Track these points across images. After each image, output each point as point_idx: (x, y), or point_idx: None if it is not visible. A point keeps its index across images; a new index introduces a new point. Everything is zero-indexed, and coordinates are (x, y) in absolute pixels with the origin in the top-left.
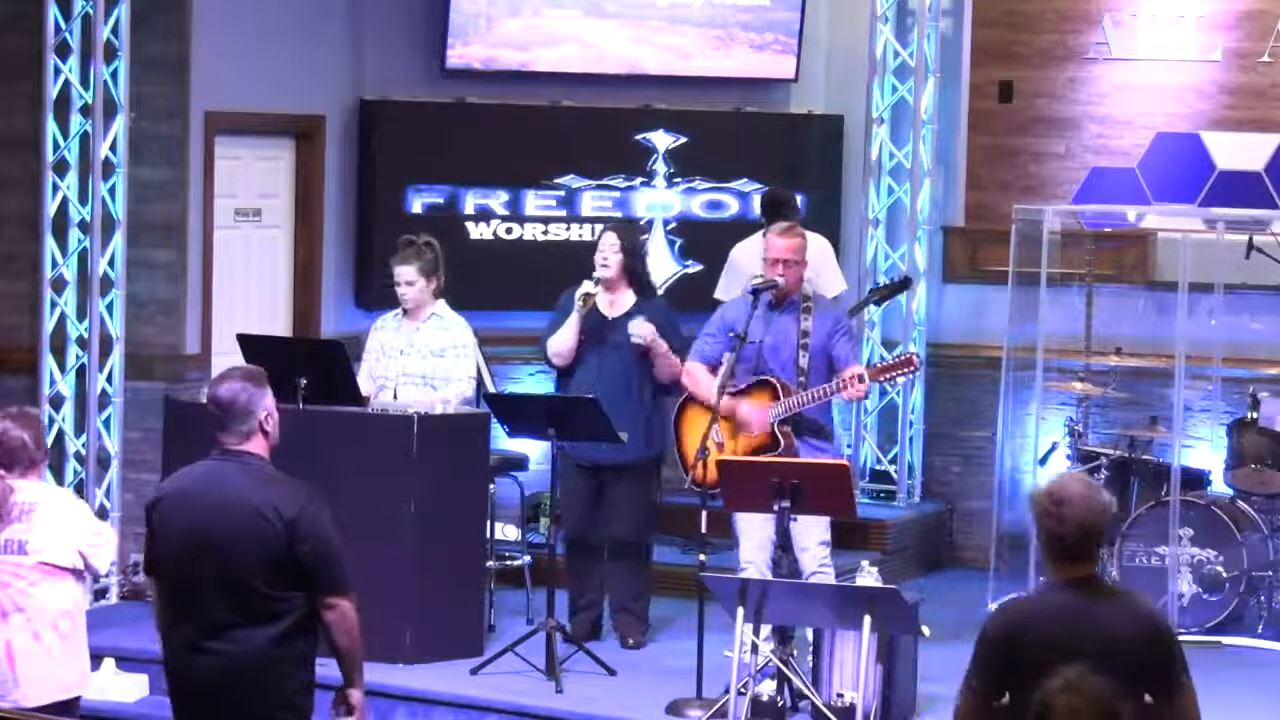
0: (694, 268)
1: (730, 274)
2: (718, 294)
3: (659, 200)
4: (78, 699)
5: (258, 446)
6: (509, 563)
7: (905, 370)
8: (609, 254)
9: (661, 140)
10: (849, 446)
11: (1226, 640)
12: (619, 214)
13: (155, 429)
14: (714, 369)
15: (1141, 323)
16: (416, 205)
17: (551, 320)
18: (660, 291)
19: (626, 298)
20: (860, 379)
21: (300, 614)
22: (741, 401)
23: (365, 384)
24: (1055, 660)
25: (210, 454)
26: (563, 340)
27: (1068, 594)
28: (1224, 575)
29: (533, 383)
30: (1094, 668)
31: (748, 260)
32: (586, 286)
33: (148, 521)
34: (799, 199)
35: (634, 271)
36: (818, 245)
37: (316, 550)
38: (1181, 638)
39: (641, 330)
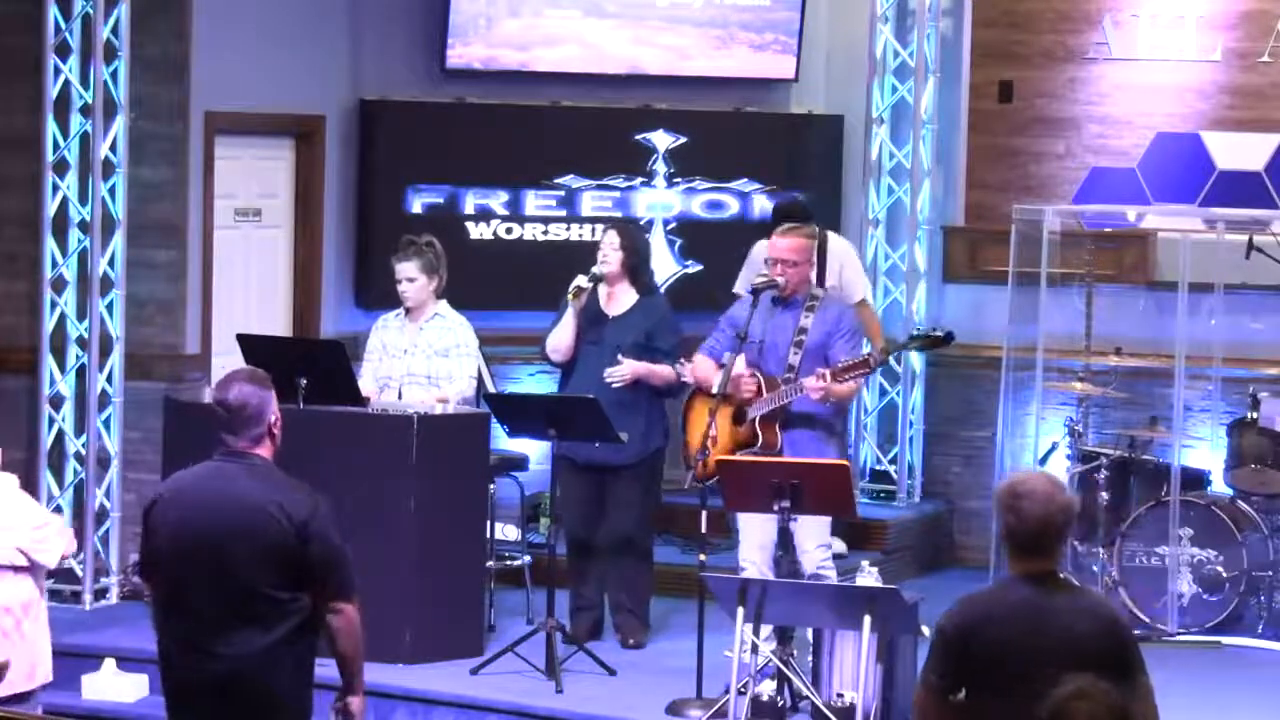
0: (694, 268)
1: (749, 268)
2: (736, 288)
3: (659, 200)
4: (31, 694)
5: (265, 450)
6: (509, 563)
7: (862, 370)
8: (609, 251)
9: (661, 140)
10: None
11: (1226, 640)
12: (619, 214)
13: (155, 429)
14: (718, 363)
15: (1141, 323)
16: (416, 205)
17: (554, 319)
18: (661, 292)
19: (627, 296)
20: (821, 377)
21: (303, 617)
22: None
23: (368, 384)
24: (1012, 656)
25: (214, 455)
26: (559, 336)
27: (1025, 589)
28: (1224, 575)
29: (533, 383)
30: (1045, 663)
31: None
32: (579, 280)
33: (145, 522)
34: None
35: (635, 270)
36: (840, 248)
37: (326, 553)
38: (1181, 638)
39: (617, 375)
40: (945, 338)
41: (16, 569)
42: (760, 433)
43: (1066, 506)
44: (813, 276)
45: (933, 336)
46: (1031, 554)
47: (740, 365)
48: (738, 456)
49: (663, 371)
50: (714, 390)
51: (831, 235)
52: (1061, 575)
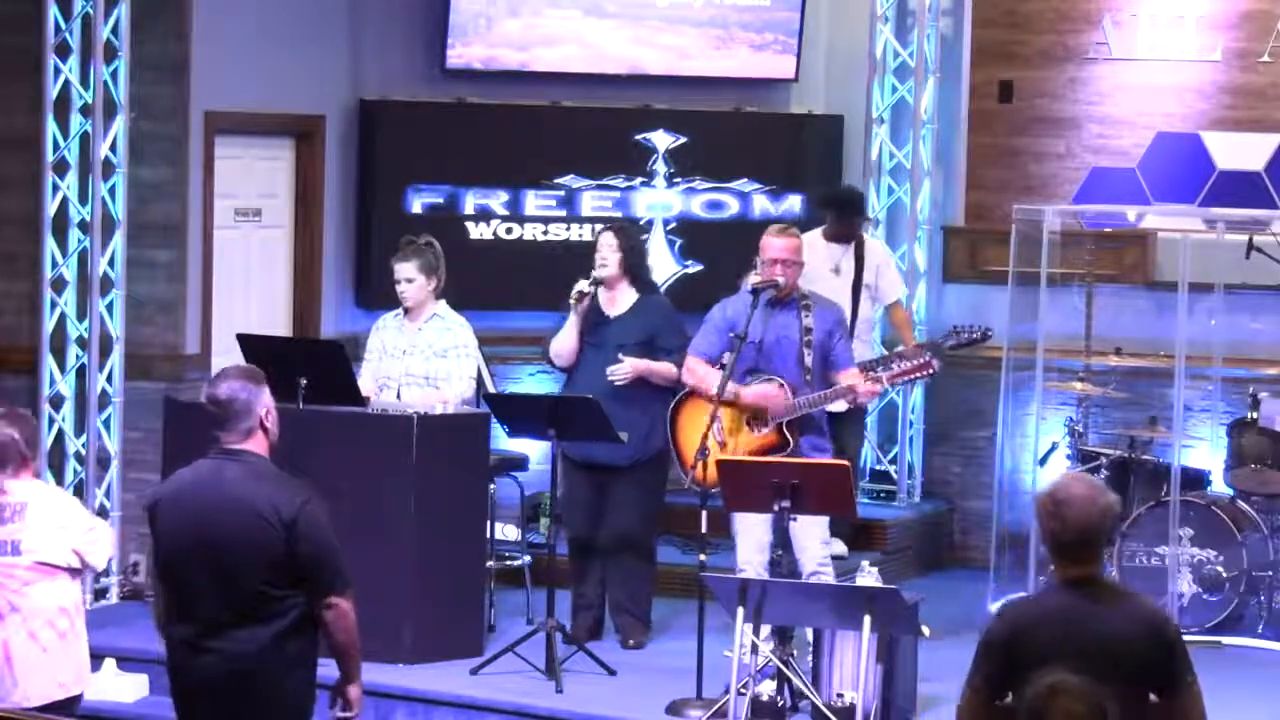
0: (694, 268)
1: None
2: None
3: (659, 200)
4: (78, 697)
5: (258, 445)
6: (509, 563)
7: (923, 374)
8: (607, 254)
9: (661, 140)
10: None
11: (1226, 640)
12: (619, 214)
13: (155, 429)
14: (712, 364)
15: (1141, 323)
16: (416, 205)
17: (559, 321)
18: (660, 291)
19: (627, 296)
20: (878, 381)
21: (301, 613)
22: (753, 388)
23: (367, 384)
24: (1057, 661)
25: (209, 453)
26: (563, 341)
27: (1069, 595)
28: (1224, 575)
29: (533, 383)
30: (1088, 668)
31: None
32: (580, 285)
33: (150, 523)
34: (801, 199)
35: (633, 270)
36: (877, 250)
37: (314, 550)
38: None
39: (620, 373)
40: (984, 335)
41: (72, 571)
42: (790, 437)
43: (1107, 509)
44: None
45: (972, 335)
46: (1075, 559)
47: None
48: (754, 458)
49: (664, 369)
50: (714, 392)
51: (868, 237)
52: (1107, 579)
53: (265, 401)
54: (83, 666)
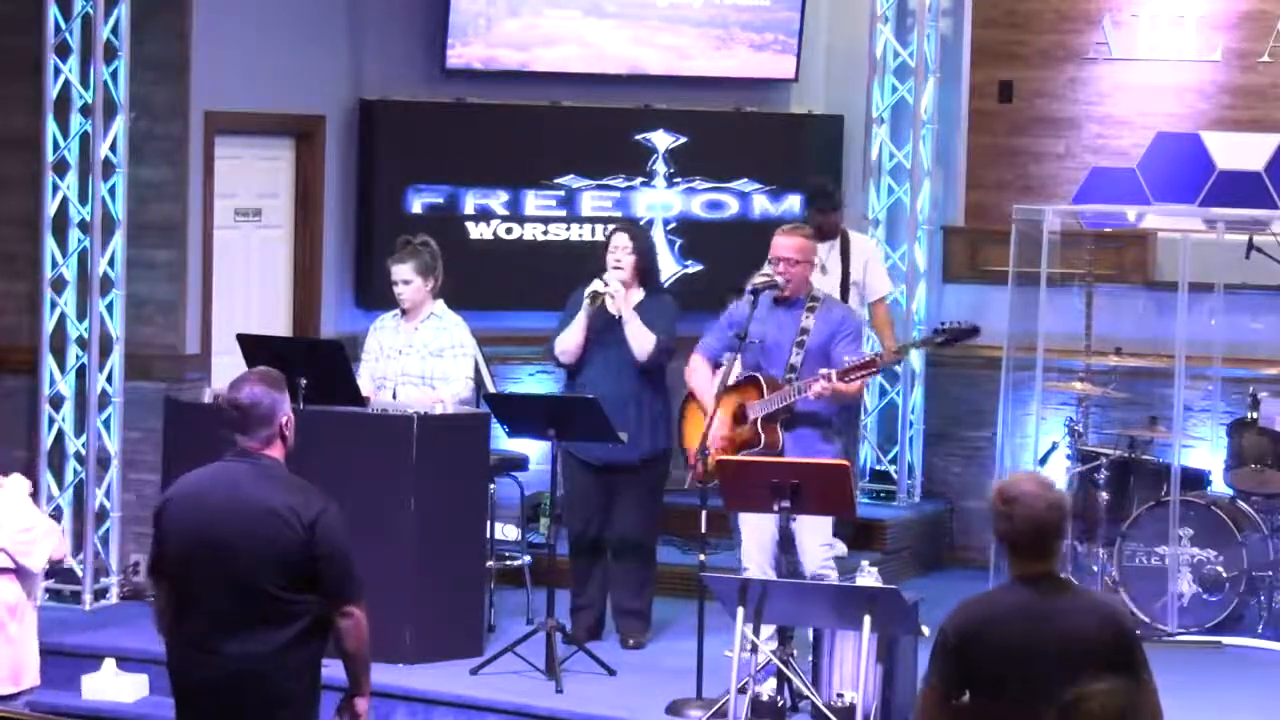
0: (694, 268)
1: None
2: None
3: (659, 200)
4: (16, 696)
5: (276, 451)
6: (509, 563)
7: (869, 371)
8: (622, 255)
9: (661, 140)
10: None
11: (1226, 640)
12: (619, 214)
13: (155, 429)
14: (716, 365)
15: (1141, 323)
16: (416, 205)
17: (561, 320)
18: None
19: (634, 296)
20: (826, 379)
21: (312, 618)
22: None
23: (366, 384)
24: (1014, 658)
25: (224, 456)
26: (570, 338)
27: (1025, 592)
28: (1224, 575)
29: (533, 383)
30: (1050, 665)
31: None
32: (596, 285)
33: (156, 522)
34: (801, 199)
35: (644, 270)
36: (865, 246)
37: (333, 554)
38: (1181, 638)
39: (607, 287)
40: (971, 330)
41: (1, 571)
42: (762, 433)
43: (1057, 505)
44: (842, 280)
45: (959, 330)
46: (1028, 556)
47: (737, 366)
48: (739, 457)
49: (645, 334)
50: (714, 391)
51: (853, 234)
52: (1062, 575)
53: (286, 409)
54: (21, 668)
